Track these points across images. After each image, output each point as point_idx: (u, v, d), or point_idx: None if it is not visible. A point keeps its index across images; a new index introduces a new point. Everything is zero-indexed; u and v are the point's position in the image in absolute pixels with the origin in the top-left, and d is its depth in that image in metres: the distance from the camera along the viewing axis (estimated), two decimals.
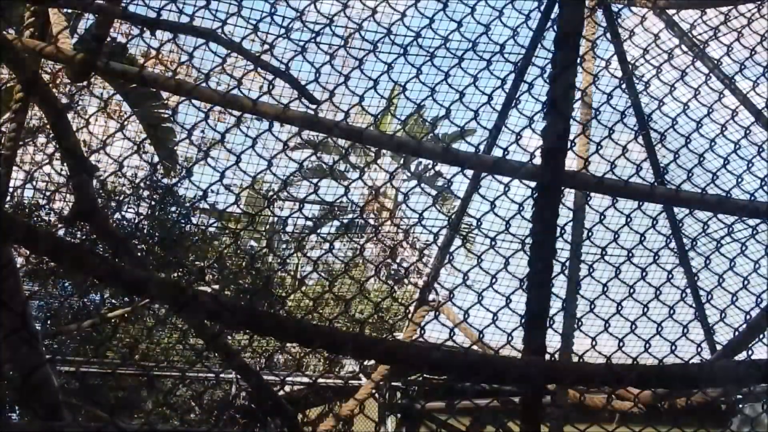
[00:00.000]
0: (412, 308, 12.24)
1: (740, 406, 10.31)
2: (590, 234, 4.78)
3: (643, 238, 4.86)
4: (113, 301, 14.99)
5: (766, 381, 4.53)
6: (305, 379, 14.19)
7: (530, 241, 4.21)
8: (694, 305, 10.30)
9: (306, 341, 3.79)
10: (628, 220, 4.81)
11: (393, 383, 13.77)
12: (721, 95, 5.36)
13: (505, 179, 4.82)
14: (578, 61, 4.61)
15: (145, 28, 4.49)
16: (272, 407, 6.89)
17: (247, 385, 12.84)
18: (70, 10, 7.22)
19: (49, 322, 14.94)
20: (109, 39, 5.84)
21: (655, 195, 5.21)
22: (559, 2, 4.10)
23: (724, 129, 5.21)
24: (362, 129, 4.60)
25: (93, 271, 3.46)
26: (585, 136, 7.24)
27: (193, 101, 4.75)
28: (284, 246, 17.86)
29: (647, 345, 4.60)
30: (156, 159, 14.30)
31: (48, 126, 11.71)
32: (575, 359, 4.28)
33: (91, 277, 3.71)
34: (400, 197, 18.85)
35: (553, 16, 9.15)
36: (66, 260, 3.48)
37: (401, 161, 16.73)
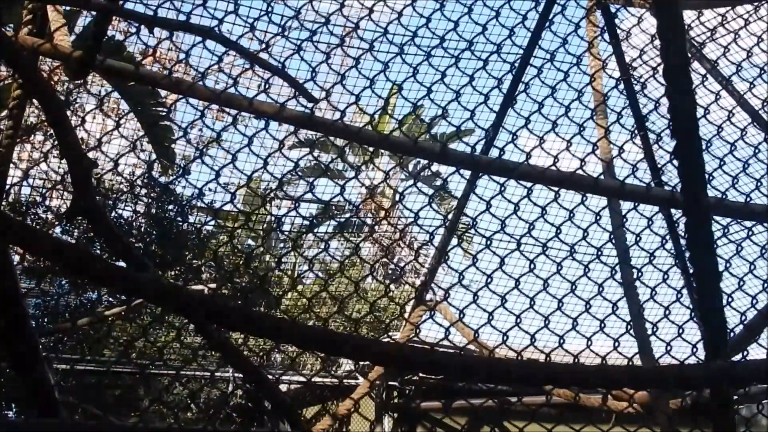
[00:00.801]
0: (408, 308, 12.25)
1: (736, 407, 10.31)
2: (585, 234, 4.79)
3: (638, 239, 4.87)
4: (110, 299, 14.98)
5: (763, 382, 4.53)
6: (302, 378, 14.22)
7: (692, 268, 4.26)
8: (689, 306, 10.31)
9: (302, 343, 3.80)
10: (624, 220, 4.82)
11: (389, 382, 13.77)
12: (718, 96, 5.37)
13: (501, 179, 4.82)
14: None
15: (142, 26, 4.49)
16: (271, 401, 6.89)
17: (245, 381, 12.85)
18: (68, 8, 7.22)
19: (45, 319, 14.93)
20: (107, 37, 5.84)
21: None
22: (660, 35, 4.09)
23: (720, 130, 5.22)
24: (358, 128, 4.60)
25: (89, 272, 3.46)
26: (607, 140, 7.23)
27: (191, 100, 4.75)
28: (281, 245, 17.88)
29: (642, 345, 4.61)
30: (153, 157, 14.30)
31: (45, 124, 11.72)
32: (570, 360, 4.28)
33: (88, 278, 3.71)
34: (398, 196, 18.85)
35: (550, 16, 9.17)
36: (62, 260, 3.48)
37: (399, 160, 16.77)
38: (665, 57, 4.23)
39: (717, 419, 4.26)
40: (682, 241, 10.89)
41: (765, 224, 5.36)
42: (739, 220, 5.29)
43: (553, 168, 4.70)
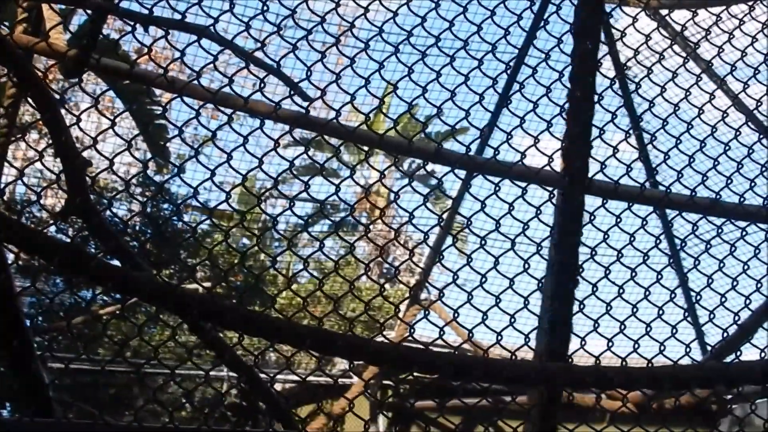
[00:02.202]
0: (403, 307, 12.27)
1: (730, 406, 10.34)
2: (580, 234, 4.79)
3: (632, 239, 4.88)
4: (104, 298, 14.97)
5: (756, 382, 4.54)
6: (296, 378, 14.20)
7: (553, 253, 4.28)
8: (683, 306, 10.33)
9: (296, 342, 3.80)
10: (618, 220, 4.83)
11: (384, 382, 13.77)
12: (712, 96, 5.38)
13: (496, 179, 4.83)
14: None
15: (137, 25, 4.48)
16: (265, 402, 6.89)
17: (239, 381, 12.85)
18: (63, 6, 7.21)
19: (40, 318, 14.91)
20: (102, 35, 5.83)
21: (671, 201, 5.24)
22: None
23: (714, 130, 5.22)
24: (354, 128, 4.61)
25: (84, 271, 3.46)
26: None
27: (186, 98, 4.76)
28: (276, 244, 17.87)
29: (636, 345, 4.62)
30: (148, 156, 14.30)
31: (40, 122, 11.71)
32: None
33: (83, 277, 3.71)
34: (393, 196, 18.83)
35: (546, 16, 9.18)
36: (57, 259, 3.48)
37: (394, 160, 16.76)
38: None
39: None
40: (677, 241, 10.91)
41: (759, 224, 5.37)
42: (732, 221, 5.30)
43: (548, 168, 4.71)
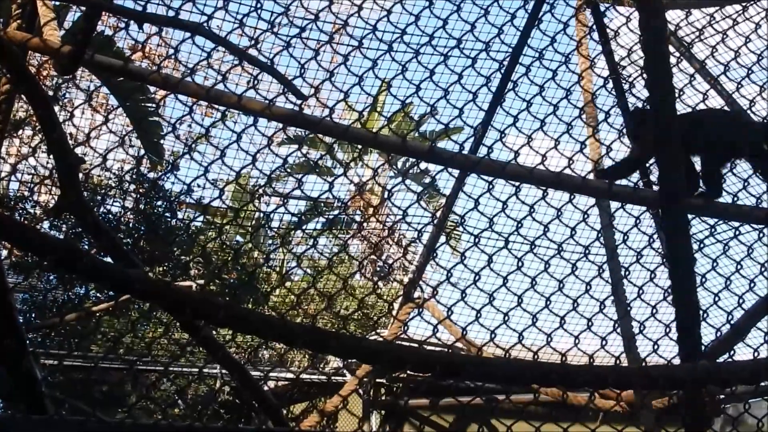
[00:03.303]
0: (396, 305, 12.26)
1: (723, 406, 10.34)
2: (573, 233, 4.79)
3: (626, 238, 4.88)
4: (97, 294, 14.95)
5: (749, 382, 4.55)
6: (289, 375, 14.21)
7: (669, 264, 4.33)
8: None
9: (289, 340, 3.80)
10: (612, 219, 4.83)
11: (377, 380, 13.78)
12: (706, 96, 5.38)
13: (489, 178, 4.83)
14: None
15: (131, 21, 4.48)
16: (257, 400, 6.89)
17: (232, 379, 12.85)
18: (57, 3, 7.20)
19: (33, 315, 14.89)
20: (96, 32, 5.82)
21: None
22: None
23: None
24: (346, 126, 4.60)
25: (77, 267, 3.45)
26: (595, 139, 7.24)
27: (180, 96, 4.75)
28: (269, 241, 17.86)
29: (629, 344, 4.62)
30: (142, 153, 14.27)
31: (34, 118, 11.69)
32: (558, 358, 4.29)
33: (75, 273, 3.71)
34: (386, 194, 18.84)
35: (539, 15, 9.19)
36: (50, 256, 3.48)
37: (388, 158, 16.79)
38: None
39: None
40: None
41: (752, 224, 5.37)
42: (725, 221, 5.31)
43: (541, 167, 4.71)
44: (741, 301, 4.99)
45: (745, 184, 5.17)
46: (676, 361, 4.70)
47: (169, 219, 15.58)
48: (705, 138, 5.03)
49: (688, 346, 4.34)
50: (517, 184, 4.80)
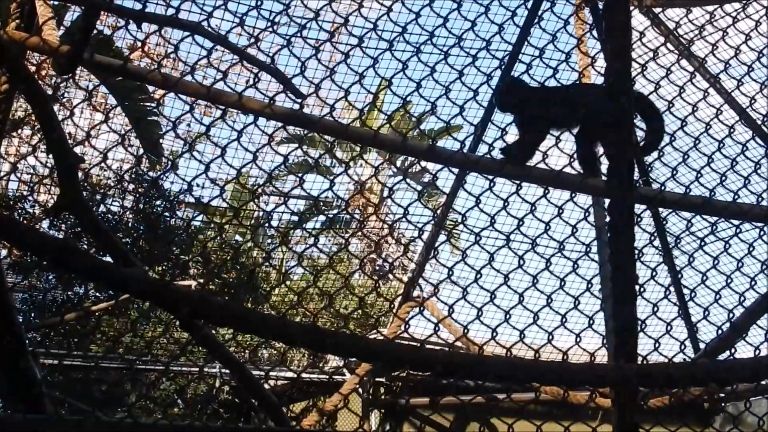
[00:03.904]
0: (397, 303, 12.26)
1: (723, 404, 10.35)
2: (575, 231, 4.79)
3: None
4: (97, 294, 14.96)
5: (749, 380, 4.54)
6: (289, 374, 14.21)
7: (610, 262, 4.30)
8: (677, 303, 10.34)
9: (289, 339, 3.80)
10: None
11: (377, 379, 13.78)
12: (706, 94, 5.37)
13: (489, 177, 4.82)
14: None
15: (130, 20, 4.47)
16: (257, 399, 6.88)
17: (231, 378, 12.86)
18: (56, 2, 7.20)
19: (32, 314, 14.90)
20: (95, 31, 5.82)
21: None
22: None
23: (708, 128, 5.22)
24: (346, 125, 4.59)
25: (76, 267, 3.45)
26: None
27: (179, 95, 4.74)
28: (269, 240, 17.86)
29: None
30: (141, 152, 14.28)
31: (33, 118, 11.69)
32: (559, 356, 4.29)
33: (74, 273, 3.71)
34: (386, 192, 18.84)
35: (539, 12, 9.18)
36: (48, 255, 3.47)
37: (387, 156, 16.79)
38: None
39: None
40: (670, 239, 10.92)
41: (753, 222, 5.36)
42: (725, 219, 5.29)
43: (542, 165, 4.70)
44: (742, 299, 4.99)
45: (746, 182, 5.17)
46: (676, 360, 4.71)
47: (168, 218, 15.59)
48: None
49: (624, 352, 4.33)
50: (517, 182, 4.80)
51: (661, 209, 9.64)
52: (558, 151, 4.86)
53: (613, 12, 4.53)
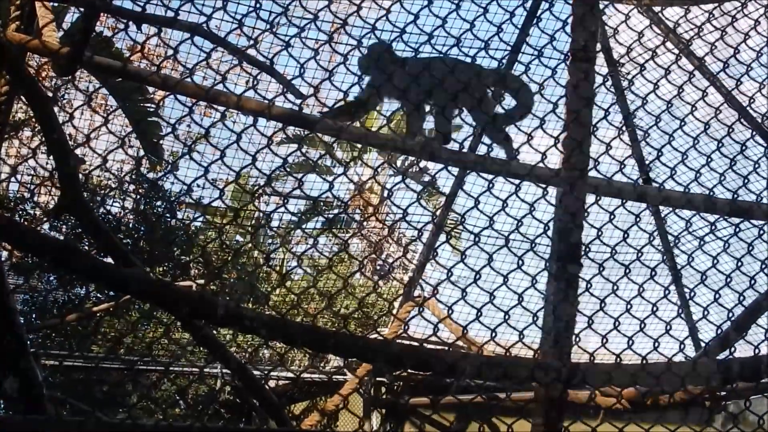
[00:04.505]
0: (397, 304, 12.26)
1: (724, 403, 10.35)
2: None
3: (626, 235, 4.87)
4: (98, 295, 14.96)
5: (750, 379, 4.55)
6: (290, 374, 14.21)
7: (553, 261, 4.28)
8: (677, 302, 10.34)
9: (289, 339, 3.81)
10: (612, 217, 4.82)
11: (378, 378, 13.77)
12: (705, 93, 5.38)
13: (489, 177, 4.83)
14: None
15: (130, 22, 4.48)
16: (258, 399, 6.90)
17: (232, 378, 12.86)
18: (56, 4, 7.20)
19: (33, 315, 14.90)
20: (94, 33, 5.82)
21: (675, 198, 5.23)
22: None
23: (707, 126, 5.23)
24: (346, 125, 4.60)
25: (76, 268, 3.46)
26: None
27: (179, 96, 4.75)
28: (269, 241, 17.86)
29: (630, 342, 4.61)
30: (141, 153, 14.28)
31: (33, 119, 11.69)
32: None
33: (75, 274, 3.72)
34: (386, 193, 18.85)
35: (538, 13, 9.19)
36: (49, 257, 3.48)
37: (387, 157, 16.80)
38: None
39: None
40: (670, 238, 10.93)
41: (752, 221, 5.37)
42: (725, 217, 5.30)
43: (541, 165, 4.71)
44: (742, 298, 4.99)
45: (745, 181, 5.18)
46: (678, 359, 4.71)
47: (168, 219, 15.59)
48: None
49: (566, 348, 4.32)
50: (517, 181, 4.81)
51: (661, 208, 9.65)
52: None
53: None
